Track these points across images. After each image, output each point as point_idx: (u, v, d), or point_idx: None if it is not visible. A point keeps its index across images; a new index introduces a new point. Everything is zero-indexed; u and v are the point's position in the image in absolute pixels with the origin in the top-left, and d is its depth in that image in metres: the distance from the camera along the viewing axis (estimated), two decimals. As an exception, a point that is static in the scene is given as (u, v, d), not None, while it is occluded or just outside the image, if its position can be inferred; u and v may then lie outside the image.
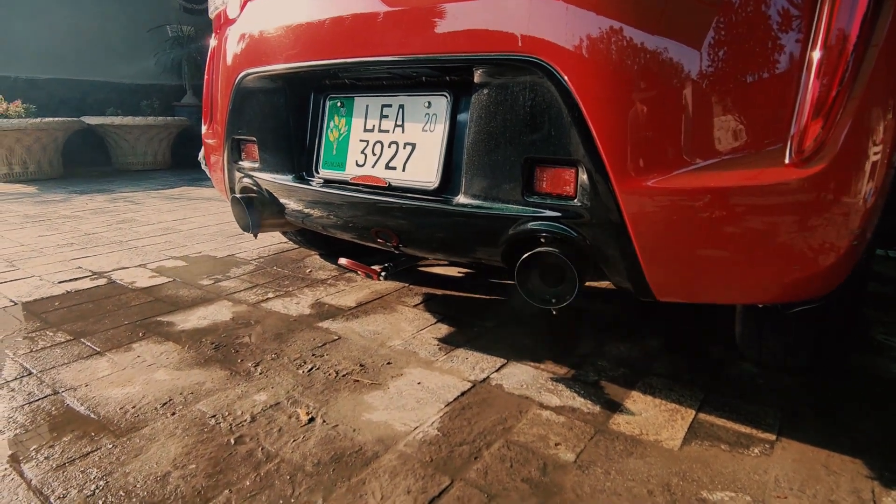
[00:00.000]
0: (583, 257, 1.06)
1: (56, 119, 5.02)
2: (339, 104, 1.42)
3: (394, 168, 1.30)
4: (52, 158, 5.19)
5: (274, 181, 1.54)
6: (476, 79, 1.11)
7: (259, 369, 1.38)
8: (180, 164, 6.25)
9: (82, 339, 1.55)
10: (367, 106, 1.36)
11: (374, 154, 1.34)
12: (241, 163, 1.66)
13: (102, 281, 2.09)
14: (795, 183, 0.88)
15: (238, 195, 1.62)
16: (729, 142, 0.91)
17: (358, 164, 1.37)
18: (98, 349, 1.49)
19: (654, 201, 0.95)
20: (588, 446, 1.05)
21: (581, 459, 1.01)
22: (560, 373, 1.35)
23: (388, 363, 1.41)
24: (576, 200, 1.02)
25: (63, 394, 1.25)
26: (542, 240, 1.08)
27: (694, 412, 1.17)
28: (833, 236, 0.91)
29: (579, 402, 1.22)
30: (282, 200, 1.57)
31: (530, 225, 1.08)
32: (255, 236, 1.81)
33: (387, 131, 1.32)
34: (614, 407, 1.19)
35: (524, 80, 1.04)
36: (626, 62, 0.93)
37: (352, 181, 1.37)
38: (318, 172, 1.46)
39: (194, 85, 6.46)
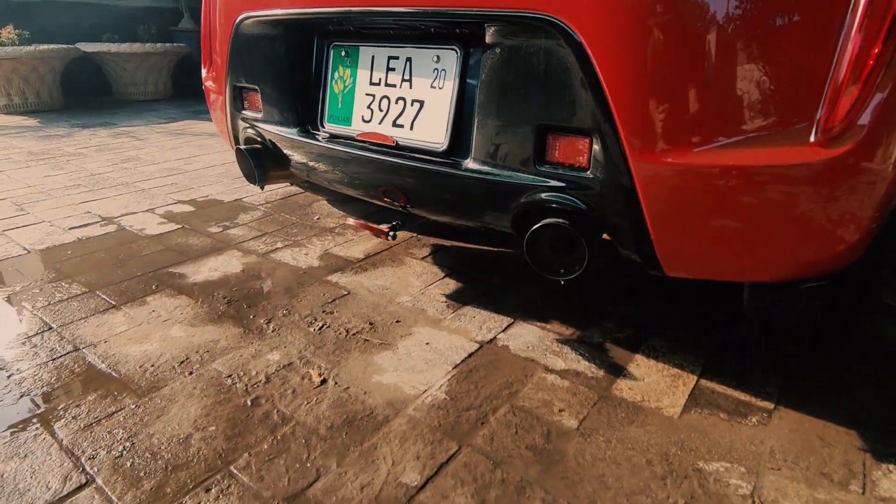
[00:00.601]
0: (594, 230, 1.05)
1: (52, 47, 4.84)
2: (343, 53, 1.35)
3: (401, 126, 1.26)
4: (52, 88, 5.06)
5: (278, 133, 1.50)
6: (488, 37, 1.05)
7: (271, 326, 1.41)
8: (181, 93, 6.09)
9: (97, 292, 1.58)
10: (373, 57, 1.29)
11: (381, 110, 1.29)
12: (244, 112, 1.61)
13: (112, 227, 2.11)
14: (820, 164, 0.84)
15: (243, 147, 1.59)
16: (753, 119, 0.86)
17: (364, 120, 1.33)
18: (114, 302, 1.52)
19: (670, 178, 0.92)
20: (591, 413, 1.09)
21: (584, 427, 1.05)
22: (566, 334, 1.37)
23: (397, 321, 1.43)
24: (588, 172, 0.99)
25: (84, 350, 1.29)
26: (553, 210, 1.06)
27: (696, 378, 1.20)
28: (852, 218, 0.88)
29: (584, 365, 1.25)
30: (286, 153, 1.54)
31: (542, 195, 1.05)
32: (262, 188, 1.79)
33: (394, 86, 1.26)
34: (618, 371, 1.22)
35: (539, 41, 0.98)
36: (646, 27, 0.87)
37: (358, 138, 1.33)
38: (323, 126, 1.42)
39: (191, 7, 6.16)
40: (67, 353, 1.28)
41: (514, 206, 1.11)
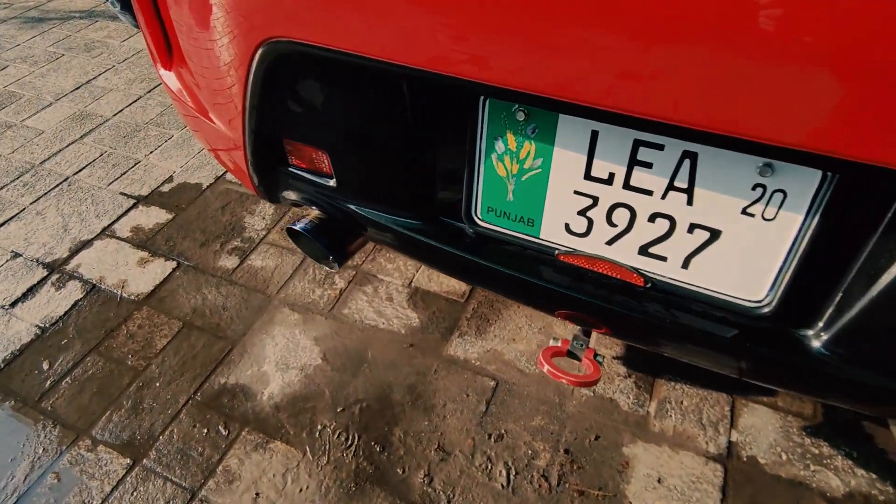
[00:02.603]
0: None
1: None
2: (521, 116, 0.71)
3: (660, 258, 0.73)
4: None
5: (380, 222, 0.89)
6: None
7: (437, 489, 1.03)
8: None
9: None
10: (597, 135, 0.68)
11: (614, 225, 0.74)
12: (293, 171, 0.94)
13: (70, 290, 1.44)
14: None
15: (301, 228, 0.97)
16: None
17: (573, 232, 0.77)
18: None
19: None
20: None
21: None
22: (806, 415, 1.09)
23: (596, 437, 1.08)
24: None
25: None
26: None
27: None
28: None
29: (867, 479, 1.00)
30: (392, 242, 0.95)
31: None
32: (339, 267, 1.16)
33: (646, 192, 0.69)
34: (910, 485, 0.99)
35: None
36: None
37: (560, 259, 0.79)
38: (472, 220, 0.83)
39: None
40: None
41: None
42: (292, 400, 1.18)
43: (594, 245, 0.77)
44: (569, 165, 0.72)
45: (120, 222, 1.61)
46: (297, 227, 0.97)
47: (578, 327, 1.00)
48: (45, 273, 1.47)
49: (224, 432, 1.13)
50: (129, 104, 2.11)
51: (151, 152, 1.87)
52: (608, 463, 1.05)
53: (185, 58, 0.98)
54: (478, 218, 0.83)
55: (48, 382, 1.23)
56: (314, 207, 1.00)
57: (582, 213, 0.75)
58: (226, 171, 1.76)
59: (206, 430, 1.13)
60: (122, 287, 1.43)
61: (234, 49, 0.78)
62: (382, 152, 0.82)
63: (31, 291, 1.43)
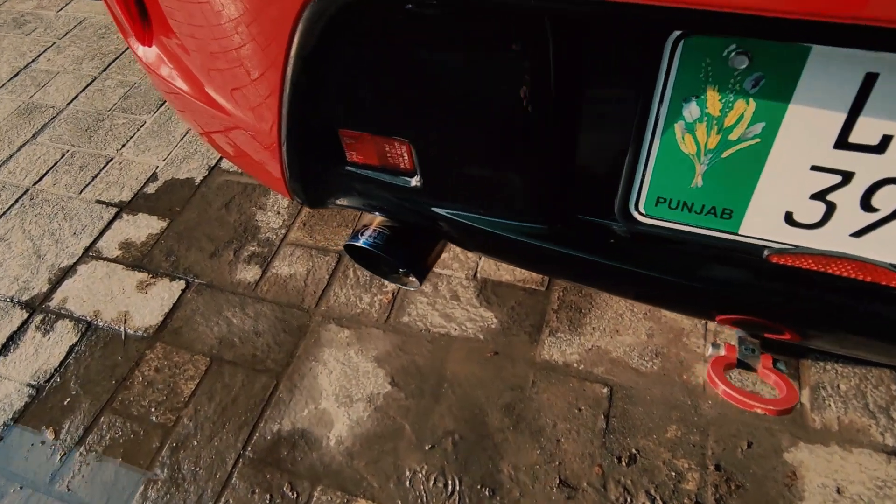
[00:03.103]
0: None
1: None
2: (742, 61, 0.45)
3: (939, 248, 0.51)
4: None
5: (480, 226, 0.65)
6: None
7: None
8: None
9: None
10: (877, 80, 0.43)
11: (873, 209, 0.50)
12: (352, 170, 0.67)
13: (64, 331, 1.17)
14: None
15: (368, 243, 0.71)
16: None
17: (796, 223, 0.53)
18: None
19: None
20: None
21: None
22: None
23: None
24: None
25: None
26: None
27: None
28: None
29: None
30: (489, 248, 0.71)
31: None
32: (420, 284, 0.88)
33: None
34: None
35: None
36: None
37: (772, 259, 0.56)
38: (629, 216, 0.59)
39: None
40: None
41: None
42: (367, 442, 0.96)
43: (832, 239, 0.53)
44: (810, 130, 0.48)
45: (104, 239, 1.33)
46: (361, 242, 0.73)
47: (736, 328, 0.79)
48: (26, 315, 1.20)
49: (292, 495, 0.92)
50: (84, 88, 1.75)
51: (124, 146, 1.55)
52: (771, 476, 0.87)
53: (169, 25, 0.69)
54: (639, 213, 0.59)
55: (58, 457, 1.00)
56: (379, 214, 0.74)
57: (819, 196, 0.51)
58: (221, 158, 1.47)
59: (268, 496, 0.92)
60: (125, 321, 1.17)
61: (265, 5, 0.51)
62: (500, 135, 0.56)
63: (12, 341, 1.16)
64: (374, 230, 0.74)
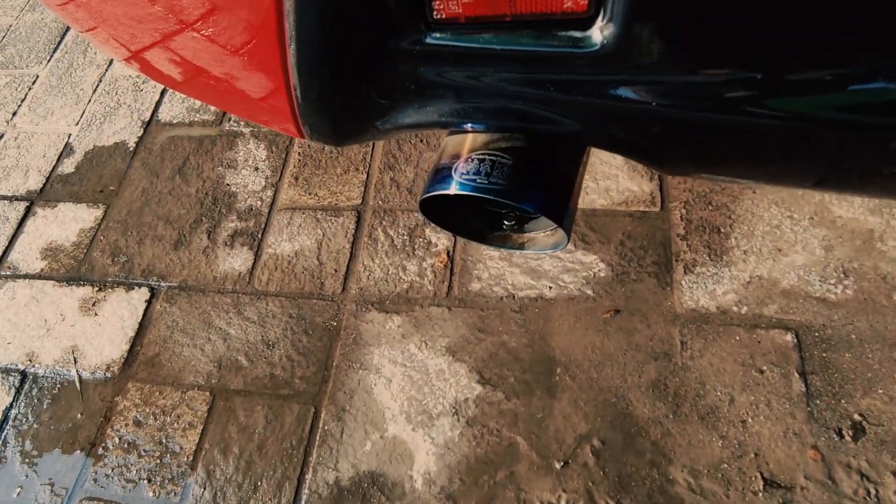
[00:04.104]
0: None
1: None
2: None
3: None
4: None
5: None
6: None
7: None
8: None
9: None
10: None
11: None
12: (438, 40, 0.32)
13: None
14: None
15: (483, 184, 0.37)
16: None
17: None
18: None
19: None
20: None
21: None
22: None
23: None
24: None
25: None
26: None
27: None
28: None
29: None
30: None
31: None
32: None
33: None
34: None
35: None
36: None
37: None
38: None
39: None
40: None
41: None
42: (468, 473, 0.66)
43: None
44: None
45: (17, 248, 0.94)
46: (460, 186, 0.39)
47: None
48: (-72, 377, 0.84)
49: (382, 574, 0.63)
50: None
51: (14, 114, 1.12)
52: None
53: None
54: None
55: (23, 580, 0.68)
56: (485, 129, 0.40)
57: None
58: (158, 106, 1.06)
59: (349, 582, 0.63)
60: (75, 360, 0.82)
61: None
62: None
63: (-84, 419, 0.80)
64: (479, 161, 0.39)
